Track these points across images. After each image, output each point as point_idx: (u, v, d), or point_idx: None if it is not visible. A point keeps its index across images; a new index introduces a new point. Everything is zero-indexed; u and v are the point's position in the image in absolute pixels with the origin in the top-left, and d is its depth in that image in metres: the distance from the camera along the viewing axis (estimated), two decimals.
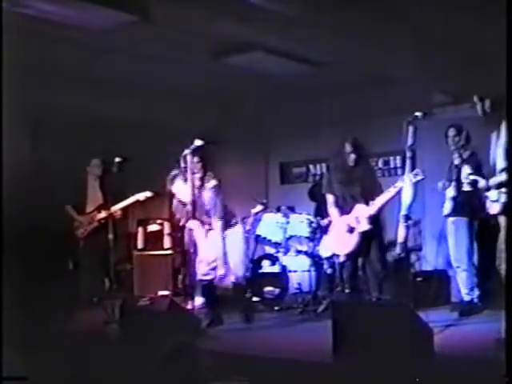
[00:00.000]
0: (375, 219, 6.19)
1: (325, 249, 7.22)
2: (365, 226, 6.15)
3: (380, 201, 6.08)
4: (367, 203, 6.15)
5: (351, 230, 6.24)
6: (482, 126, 5.88)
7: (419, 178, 5.68)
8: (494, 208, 4.76)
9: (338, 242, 6.45)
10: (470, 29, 6.25)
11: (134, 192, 7.61)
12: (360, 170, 6.34)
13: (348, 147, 6.33)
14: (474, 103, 4.96)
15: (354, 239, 6.23)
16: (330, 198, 6.49)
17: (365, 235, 6.20)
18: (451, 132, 6.24)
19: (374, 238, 6.26)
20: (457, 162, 6.10)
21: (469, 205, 6.14)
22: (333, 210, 6.47)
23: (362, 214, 6.15)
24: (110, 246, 6.55)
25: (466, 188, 6.06)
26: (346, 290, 7.04)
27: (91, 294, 7.60)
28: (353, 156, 6.31)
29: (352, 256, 6.36)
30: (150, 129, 8.91)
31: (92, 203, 7.96)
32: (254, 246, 7.94)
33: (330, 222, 6.69)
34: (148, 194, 7.63)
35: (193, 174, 6.86)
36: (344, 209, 6.37)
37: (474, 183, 6.09)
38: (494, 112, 4.76)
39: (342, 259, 6.55)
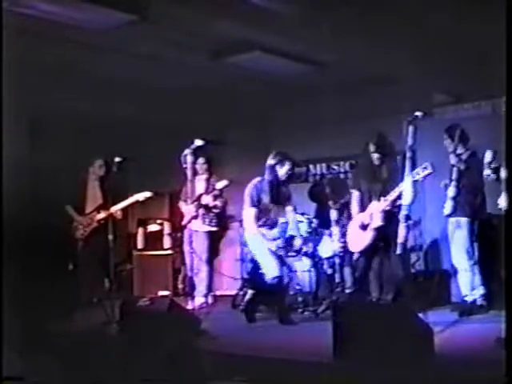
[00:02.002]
0: (390, 215, 6.12)
1: (326, 249, 7.22)
2: (378, 221, 6.12)
3: (392, 196, 6.02)
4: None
5: (364, 226, 6.27)
6: (482, 126, 5.91)
7: (428, 172, 5.66)
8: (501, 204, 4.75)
9: (353, 239, 6.47)
10: (469, 29, 6.25)
11: (134, 192, 7.61)
12: (385, 168, 6.33)
13: (372, 146, 6.34)
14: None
15: (367, 236, 6.23)
16: (355, 194, 6.53)
17: (378, 231, 6.17)
18: (445, 135, 6.27)
19: (389, 234, 6.17)
20: (455, 162, 6.10)
21: (470, 205, 6.14)
22: (355, 207, 6.51)
23: (375, 210, 6.15)
24: (110, 246, 6.54)
25: (467, 188, 6.06)
26: (347, 290, 7.06)
27: (91, 294, 7.61)
28: (376, 154, 6.32)
29: (365, 254, 6.35)
30: (150, 129, 8.91)
31: (92, 204, 7.97)
32: None
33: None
34: (147, 194, 7.62)
35: (196, 174, 6.88)
36: (364, 206, 6.40)
37: (474, 183, 6.09)
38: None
39: (355, 256, 6.55)
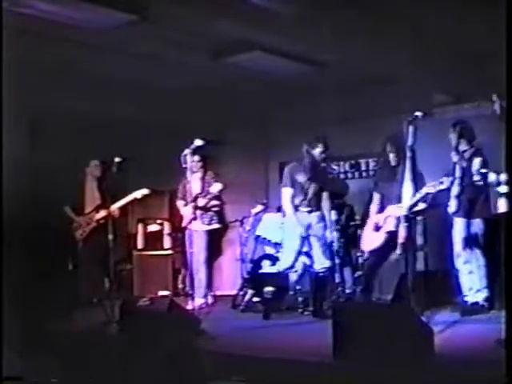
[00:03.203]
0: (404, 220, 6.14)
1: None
2: (390, 226, 6.16)
3: (407, 203, 6.03)
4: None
5: (377, 228, 6.30)
6: (483, 125, 5.89)
7: (443, 187, 5.68)
8: (503, 204, 4.74)
9: (366, 239, 6.51)
10: (469, 29, 6.25)
11: (133, 192, 7.63)
12: (402, 169, 6.33)
13: (388, 146, 6.37)
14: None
15: (379, 237, 6.26)
16: (375, 197, 6.55)
17: (390, 235, 6.20)
18: (451, 129, 6.25)
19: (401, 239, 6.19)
20: (457, 159, 6.09)
21: (473, 204, 6.12)
22: (373, 208, 6.54)
23: (390, 214, 6.18)
24: (110, 246, 6.54)
25: (470, 187, 6.05)
26: (347, 290, 7.06)
27: (91, 294, 7.61)
28: (393, 155, 6.33)
29: (375, 254, 6.37)
30: (149, 129, 8.91)
31: (90, 204, 7.99)
32: (254, 246, 7.94)
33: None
34: (145, 191, 7.64)
35: (192, 173, 6.89)
36: (381, 208, 6.42)
37: (477, 183, 6.08)
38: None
39: (365, 256, 6.57)
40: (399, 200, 6.13)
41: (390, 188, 6.31)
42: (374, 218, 6.51)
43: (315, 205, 6.64)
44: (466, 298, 6.25)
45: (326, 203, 6.73)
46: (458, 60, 6.96)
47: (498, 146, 4.85)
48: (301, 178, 6.64)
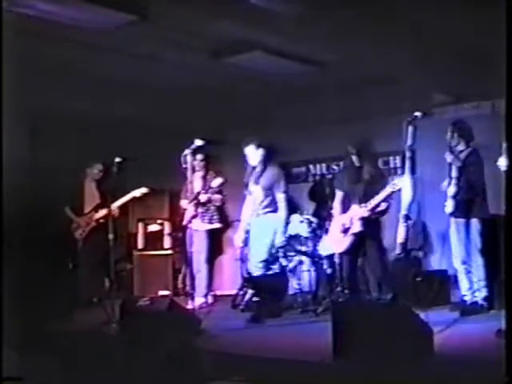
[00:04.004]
0: (369, 221, 6.22)
1: (324, 247, 7.23)
2: (357, 227, 6.21)
3: (372, 203, 6.11)
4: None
5: (345, 230, 6.32)
6: (482, 125, 5.87)
7: (397, 188, 5.74)
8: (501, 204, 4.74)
9: (334, 240, 6.53)
10: (469, 29, 6.25)
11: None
12: (366, 170, 6.36)
13: (351, 148, 6.40)
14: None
15: (347, 239, 6.30)
16: (338, 194, 6.58)
17: (358, 236, 6.26)
18: (450, 128, 6.25)
19: (369, 239, 6.30)
20: (451, 159, 6.10)
21: (471, 204, 6.12)
22: (336, 207, 6.55)
23: (355, 215, 6.22)
24: (110, 245, 6.54)
25: (467, 187, 6.06)
26: (346, 291, 7.07)
27: (91, 293, 7.61)
28: (355, 157, 6.37)
29: (346, 255, 6.42)
30: (150, 129, 8.91)
31: (89, 204, 8.00)
32: None
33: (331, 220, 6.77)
34: (144, 190, 7.66)
35: (194, 172, 6.93)
36: (346, 207, 6.44)
37: (475, 182, 6.08)
38: None
39: (337, 258, 6.61)
40: (364, 200, 6.19)
41: (355, 189, 6.35)
42: (338, 218, 6.51)
43: (264, 208, 6.72)
44: (465, 298, 6.25)
45: (281, 205, 6.82)
46: (457, 60, 6.96)
47: (497, 145, 4.88)
48: (250, 183, 6.86)
